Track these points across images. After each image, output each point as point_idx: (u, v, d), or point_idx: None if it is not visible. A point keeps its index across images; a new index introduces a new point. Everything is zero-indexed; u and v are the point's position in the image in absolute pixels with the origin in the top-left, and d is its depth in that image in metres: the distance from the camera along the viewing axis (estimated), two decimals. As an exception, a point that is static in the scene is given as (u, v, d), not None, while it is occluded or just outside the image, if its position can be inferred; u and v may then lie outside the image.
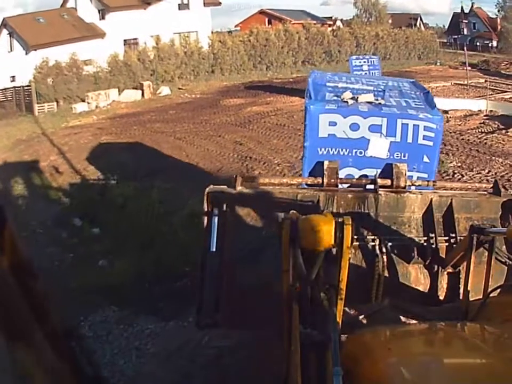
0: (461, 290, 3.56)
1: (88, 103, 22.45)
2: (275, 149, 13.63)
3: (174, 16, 28.15)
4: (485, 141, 13.89)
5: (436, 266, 3.88)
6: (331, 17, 45.05)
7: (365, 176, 4.40)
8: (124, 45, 26.92)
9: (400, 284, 3.89)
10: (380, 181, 4.07)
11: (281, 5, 46.02)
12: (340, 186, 4.11)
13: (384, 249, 3.82)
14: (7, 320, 0.76)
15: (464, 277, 3.41)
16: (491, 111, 18.20)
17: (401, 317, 3.26)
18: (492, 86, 22.79)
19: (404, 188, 4.09)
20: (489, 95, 19.99)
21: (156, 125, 17.47)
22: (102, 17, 26.93)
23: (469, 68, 28.20)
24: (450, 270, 3.85)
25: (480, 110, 18.27)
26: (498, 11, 45.94)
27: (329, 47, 33.04)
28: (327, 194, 3.95)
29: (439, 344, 2.21)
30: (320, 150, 4.45)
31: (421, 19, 51.49)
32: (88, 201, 10.35)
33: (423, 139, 4.43)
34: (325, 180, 4.07)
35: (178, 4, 29.40)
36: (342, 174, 4.28)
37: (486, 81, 23.54)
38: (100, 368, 1.00)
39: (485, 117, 17.11)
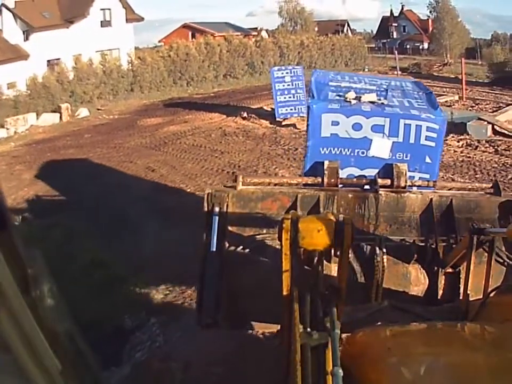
0: (461, 291, 3.55)
1: (7, 129, 20.51)
2: (189, 174, 12.59)
3: (97, 33, 26.84)
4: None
5: (435, 267, 3.88)
6: (256, 28, 43.95)
7: (365, 176, 4.40)
8: (47, 65, 24.93)
9: (400, 284, 3.89)
10: (380, 181, 4.07)
11: (206, 18, 45.25)
12: (340, 186, 4.11)
13: (384, 249, 3.83)
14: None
15: (464, 277, 3.41)
16: None
17: (401, 317, 3.26)
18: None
19: (404, 187, 4.09)
20: None
21: (69, 151, 16.26)
22: (27, 38, 25.56)
23: (400, 72, 28.08)
24: (450, 270, 3.85)
25: None
26: (430, 12, 44.74)
27: (252, 59, 31.46)
28: (327, 194, 3.96)
29: (439, 344, 2.21)
30: (323, 149, 4.44)
31: (348, 25, 50.92)
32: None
33: (426, 140, 4.42)
34: (325, 180, 4.06)
35: (101, 21, 27.93)
36: (344, 173, 4.28)
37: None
38: (100, 369, 1.00)
39: None
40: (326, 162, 4.13)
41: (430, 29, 46.68)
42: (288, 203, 3.91)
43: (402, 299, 3.72)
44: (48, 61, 25.48)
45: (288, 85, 16.94)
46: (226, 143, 14.97)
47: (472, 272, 3.24)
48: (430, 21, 47.21)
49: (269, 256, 3.72)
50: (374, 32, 54.91)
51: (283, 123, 16.69)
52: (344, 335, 2.36)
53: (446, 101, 20.31)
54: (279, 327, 3.31)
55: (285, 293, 2.52)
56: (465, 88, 21.76)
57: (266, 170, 12.25)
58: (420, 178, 4.38)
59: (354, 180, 4.30)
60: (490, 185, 4.23)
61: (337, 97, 4.72)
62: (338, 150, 4.45)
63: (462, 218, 3.97)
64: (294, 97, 16.95)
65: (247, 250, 3.84)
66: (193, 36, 36.45)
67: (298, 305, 2.32)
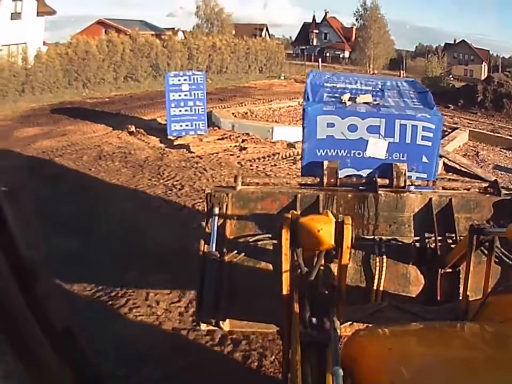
0: (461, 291, 3.55)
1: None
2: None
3: (6, 26, 23.87)
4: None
5: (435, 267, 3.88)
6: (173, 28, 41.61)
7: (360, 176, 4.41)
8: None
9: (400, 284, 3.89)
10: (379, 181, 4.07)
11: (126, 16, 42.66)
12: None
13: (384, 249, 3.83)
14: (6, 321, 0.76)
15: (464, 277, 3.41)
16: None
17: (401, 317, 3.26)
18: None
19: (404, 187, 4.09)
20: None
21: None
22: None
23: None
24: (449, 270, 3.85)
25: None
26: (357, 20, 43.58)
27: (157, 60, 28.52)
28: (327, 194, 3.96)
29: (439, 344, 2.21)
30: (319, 151, 4.45)
31: (267, 30, 49.72)
32: None
33: (422, 139, 4.43)
34: (325, 180, 4.07)
35: (11, 13, 25.16)
36: (341, 175, 4.28)
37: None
38: (101, 367, 1.00)
39: None
40: (326, 162, 4.14)
41: (353, 37, 45.75)
42: (288, 203, 3.91)
43: (402, 299, 3.72)
44: None
45: (186, 94, 13.80)
46: (96, 172, 11.30)
47: (471, 272, 3.24)
48: (353, 29, 46.17)
49: (268, 256, 3.72)
50: (293, 38, 53.93)
51: (175, 142, 13.61)
52: (344, 334, 2.37)
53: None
54: (279, 327, 3.31)
55: (284, 293, 2.52)
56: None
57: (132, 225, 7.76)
58: (418, 178, 4.38)
59: (354, 179, 4.31)
60: (490, 184, 4.23)
61: (333, 99, 4.73)
62: (334, 151, 4.45)
63: (462, 218, 3.97)
64: (191, 110, 13.83)
65: (247, 250, 3.83)
66: (106, 33, 33.20)
67: (298, 305, 2.33)
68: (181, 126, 13.89)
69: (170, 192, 9.69)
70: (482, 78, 32.51)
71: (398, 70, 35.05)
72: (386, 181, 4.11)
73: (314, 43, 51.32)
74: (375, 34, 40.63)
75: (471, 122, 19.52)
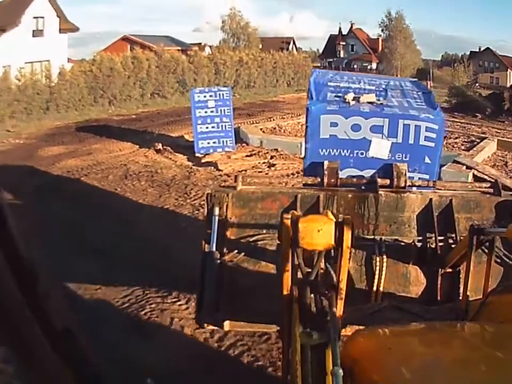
0: (461, 290, 3.55)
1: None
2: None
3: (28, 43, 23.99)
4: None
5: (435, 266, 3.88)
6: (200, 43, 41.54)
7: (362, 177, 4.41)
8: None
9: (400, 284, 3.89)
10: (380, 181, 4.07)
11: (152, 32, 42.17)
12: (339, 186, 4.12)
13: (384, 249, 3.83)
14: (5, 321, 0.76)
15: (464, 277, 3.41)
16: None
17: (401, 317, 3.27)
18: None
19: (404, 187, 4.10)
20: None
21: None
22: None
23: None
24: (450, 270, 3.85)
25: None
26: (382, 30, 43.25)
27: (183, 76, 27.97)
28: (327, 194, 3.96)
29: (439, 344, 2.21)
30: (322, 151, 4.45)
31: (294, 43, 49.06)
32: None
33: (425, 140, 4.43)
34: (325, 180, 4.07)
35: (33, 31, 25.14)
36: (343, 175, 4.29)
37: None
38: (100, 368, 1.00)
39: None
40: (326, 162, 4.14)
41: (380, 48, 45.32)
42: (288, 203, 3.91)
43: (402, 299, 3.72)
44: None
45: (212, 111, 13.39)
46: (122, 192, 10.93)
47: (472, 272, 3.24)
48: (380, 40, 45.79)
49: (268, 256, 3.73)
50: (320, 51, 53.36)
51: (203, 160, 13.20)
52: (344, 334, 2.37)
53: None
54: (279, 327, 3.31)
55: (284, 293, 2.52)
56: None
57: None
58: (419, 178, 4.39)
59: (354, 180, 4.31)
60: (490, 184, 4.24)
61: (336, 98, 4.73)
62: (337, 151, 4.46)
63: (462, 218, 3.97)
64: (218, 126, 13.39)
65: (247, 250, 3.84)
66: (132, 49, 32.97)
67: (298, 305, 2.33)
68: (208, 143, 13.48)
69: (197, 212, 9.27)
70: (508, 85, 32.19)
71: (425, 80, 34.28)
72: (387, 181, 4.11)
73: (342, 55, 50.92)
74: (401, 44, 40.45)
75: (499, 131, 18.30)
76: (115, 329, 5.39)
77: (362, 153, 4.46)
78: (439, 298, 3.85)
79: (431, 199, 4.01)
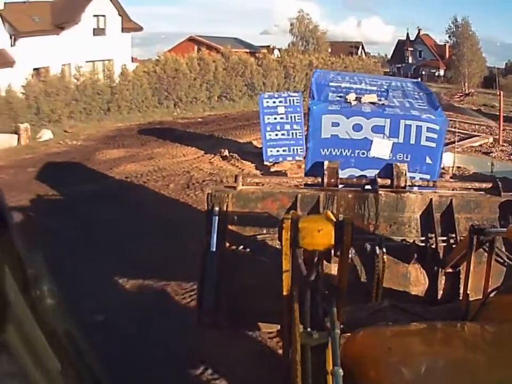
0: (461, 291, 3.56)
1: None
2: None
3: (88, 42, 23.83)
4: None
5: (435, 267, 3.89)
6: (269, 46, 40.46)
7: (365, 176, 4.41)
8: (35, 74, 22.02)
9: (400, 284, 3.90)
10: (380, 181, 4.07)
11: (219, 34, 40.88)
12: (340, 186, 4.12)
13: (384, 249, 3.83)
14: (5, 321, 0.77)
15: (464, 277, 3.41)
16: (459, 167, 12.88)
17: (401, 317, 3.26)
18: (452, 126, 16.62)
19: (404, 187, 4.09)
20: (456, 143, 13.71)
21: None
22: (13, 43, 22.76)
23: None
24: (450, 270, 3.85)
25: (443, 168, 12.01)
26: (449, 37, 41.96)
27: (252, 79, 26.88)
28: (327, 194, 3.96)
29: (439, 344, 2.22)
30: (323, 150, 4.46)
31: (363, 47, 48.61)
32: None
33: (426, 140, 4.44)
34: (325, 180, 4.07)
35: (94, 29, 24.90)
36: (344, 174, 4.29)
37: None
38: (100, 372, 1.00)
39: (452, 179, 11.39)
40: (326, 163, 4.14)
41: (447, 55, 44.57)
42: (288, 203, 3.91)
43: (402, 299, 3.72)
44: (35, 69, 22.44)
45: (282, 118, 12.61)
46: (183, 202, 10.16)
47: (472, 272, 3.24)
48: (447, 46, 45.00)
49: (269, 256, 3.73)
50: (389, 56, 52.98)
51: (272, 169, 12.30)
52: (344, 335, 2.37)
53: (480, 145, 15.65)
54: (279, 327, 3.31)
55: (285, 292, 2.52)
56: (502, 127, 17.06)
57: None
58: (420, 178, 4.38)
59: (354, 180, 4.31)
60: (491, 185, 4.23)
61: (338, 98, 4.73)
62: (338, 151, 4.46)
63: (462, 218, 3.97)
64: (288, 134, 12.62)
65: (247, 250, 3.84)
66: (199, 50, 32.42)
67: (298, 305, 2.33)
68: (277, 151, 12.66)
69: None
70: None
71: (493, 88, 33.83)
72: (387, 181, 4.11)
73: (410, 61, 50.27)
74: (468, 51, 39.38)
75: None
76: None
77: (363, 153, 4.46)
78: (439, 298, 3.85)
79: (431, 200, 4.01)
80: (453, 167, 12.66)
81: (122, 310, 5.76)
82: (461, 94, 31.16)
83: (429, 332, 2.41)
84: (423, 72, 46.02)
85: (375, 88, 5.12)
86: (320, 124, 4.45)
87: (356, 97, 4.70)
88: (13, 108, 19.53)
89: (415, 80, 6.22)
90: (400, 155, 4.44)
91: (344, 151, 4.46)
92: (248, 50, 34.41)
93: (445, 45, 45.87)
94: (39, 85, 20.81)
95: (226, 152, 13.87)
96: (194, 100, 24.88)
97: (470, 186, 4.56)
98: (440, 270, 3.87)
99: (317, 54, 33.14)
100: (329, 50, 40.23)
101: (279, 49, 39.17)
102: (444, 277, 3.89)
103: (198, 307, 3.81)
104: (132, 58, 28.04)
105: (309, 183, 4.20)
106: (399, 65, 48.54)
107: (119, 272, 6.60)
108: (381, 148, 4.45)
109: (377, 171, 4.35)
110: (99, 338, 4.68)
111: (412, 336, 2.37)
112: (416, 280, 3.91)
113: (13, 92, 20.16)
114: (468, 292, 3.27)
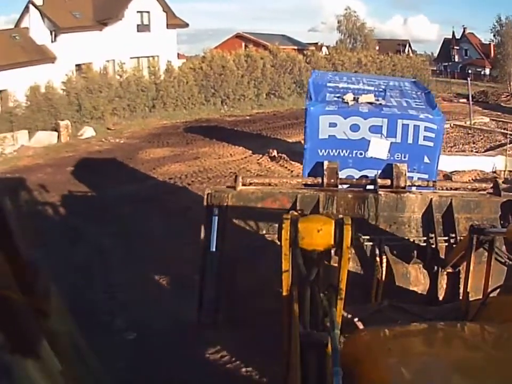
0: (461, 290, 3.56)
1: (-8, 148, 16.85)
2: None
3: (132, 38, 23.59)
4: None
5: (435, 267, 3.89)
6: (317, 43, 41.05)
7: (365, 176, 4.41)
8: (77, 70, 22.06)
9: (400, 284, 3.89)
10: (380, 181, 4.07)
11: (267, 31, 40.93)
12: (339, 186, 4.12)
13: (384, 250, 3.83)
14: (6, 320, 0.77)
15: (464, 277, 3.42)
16: (511, 171, 12.18)
17: (401, 317, 3.27)
18: (501, 127, 16.84)
19: (404, 188, 4.09)
20: (509, 145, 12.98)
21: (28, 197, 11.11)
22: (54, 39, 22.78)
23: (472, 102, 20.91)
24: (450, 270, 3.86)
25: (495, 172, 11.90)
26: (494, 36, 40.90)
27: (300, 76, 26.23)
28: (327, 194, 3.96)
29: (439, 344, 2.22)
30: (321, 151, 4.46)
31: (410, 46, 48.56)
32: None
33: (424, 140, 4.44)
34: (325, 180, 4.07)
35: (137, 25, 24.72)
36: (342, 175, 4.28)
37: (491, 120, 18.10)
38: (101, 372, 1.00)
39: (505, 184, 10.46)
40: (326, 163, 4.14)
41: (492, 54, 43.79)
42: (288, 203, 3.91)
43: (402, 299, 3.72)
44: (78, 65, 22.31)
45: None
46: None
47: (472, 272, 3.24)
48: (491, 45, 44.23)
49: (268, 256, 3.73)
50: (435, 54, 52.67)
51: None
52: (344, 335, 2.36)
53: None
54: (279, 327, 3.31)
55: (284, 293, 2.52)
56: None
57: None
58: (419, 178, 4.39)
59: (354, 180, 4.31)
60: (491, 185, 4.23)
61: (335, 99, 4.74)
62: (336, 151, 4.46)
63: (462, 218, 3.97)
64: None
65: (247, 250, 3.84)
66: (246, 47, 32.06)
67: (298, 305, 2.33)
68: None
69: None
70: None
71: None
72: (387, 181, 4.11)
73: (456, 59, 49.96)
74: None
75: None
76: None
77: (361, 153, 4.46)
78: (439, 298, 3.85)
79: (431, 200, 4.01)
80: (504, 170, 12.17)
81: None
82: (507, 94, 30.48)
83: (429, 332, 2.40)
84: (469, 71, 45.22)
85: (372, 88, 5.13)
86: (318, 125, 4.45)
87: (354, 98, 4.71)
88: (53, 104, 19.22)
89: (413, 79, 6.23)
90: (398, 155, 4.44)
91: (342, 151, 4.46)
92: (296, 48, 34.04)
93: (489, 43, 45.38)
94: (81, 81, 20.65)
95: (275, 153, 13.51)
96: (242, 97, 24.45)
97: (470, 186, 4.56)
98: (440, 270, 3.87)
99: (365, 52, 32.82)
100: (377, 48, 39.90)
101: (327, 47, 39.18)
102: (443, 277, 3.90)
103: (198, 307, 3.80)
104: (179, 54, 27.75)
105: (309, 183, 4.20)
106: (446, 64, 48.30)
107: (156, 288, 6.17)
108: (379, 148, 4.45)
109: (375, 171, 4.35)
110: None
111: (412, 336, 2.37)
112: (416, 280, 3.91)
113: (53, 88, 19.93)
114: (468, 292, 3.27)
